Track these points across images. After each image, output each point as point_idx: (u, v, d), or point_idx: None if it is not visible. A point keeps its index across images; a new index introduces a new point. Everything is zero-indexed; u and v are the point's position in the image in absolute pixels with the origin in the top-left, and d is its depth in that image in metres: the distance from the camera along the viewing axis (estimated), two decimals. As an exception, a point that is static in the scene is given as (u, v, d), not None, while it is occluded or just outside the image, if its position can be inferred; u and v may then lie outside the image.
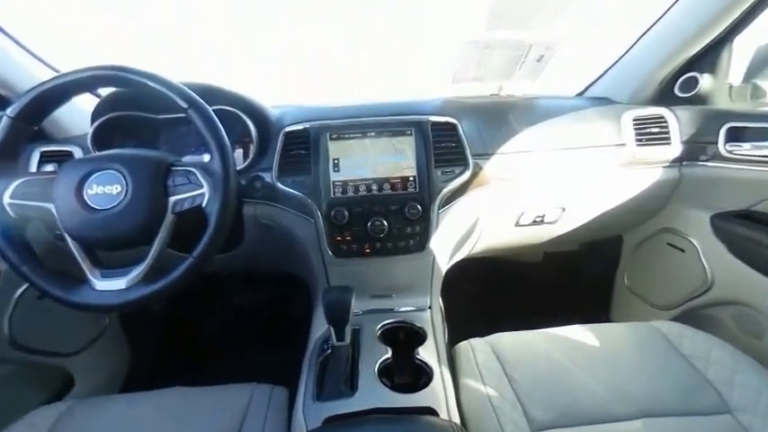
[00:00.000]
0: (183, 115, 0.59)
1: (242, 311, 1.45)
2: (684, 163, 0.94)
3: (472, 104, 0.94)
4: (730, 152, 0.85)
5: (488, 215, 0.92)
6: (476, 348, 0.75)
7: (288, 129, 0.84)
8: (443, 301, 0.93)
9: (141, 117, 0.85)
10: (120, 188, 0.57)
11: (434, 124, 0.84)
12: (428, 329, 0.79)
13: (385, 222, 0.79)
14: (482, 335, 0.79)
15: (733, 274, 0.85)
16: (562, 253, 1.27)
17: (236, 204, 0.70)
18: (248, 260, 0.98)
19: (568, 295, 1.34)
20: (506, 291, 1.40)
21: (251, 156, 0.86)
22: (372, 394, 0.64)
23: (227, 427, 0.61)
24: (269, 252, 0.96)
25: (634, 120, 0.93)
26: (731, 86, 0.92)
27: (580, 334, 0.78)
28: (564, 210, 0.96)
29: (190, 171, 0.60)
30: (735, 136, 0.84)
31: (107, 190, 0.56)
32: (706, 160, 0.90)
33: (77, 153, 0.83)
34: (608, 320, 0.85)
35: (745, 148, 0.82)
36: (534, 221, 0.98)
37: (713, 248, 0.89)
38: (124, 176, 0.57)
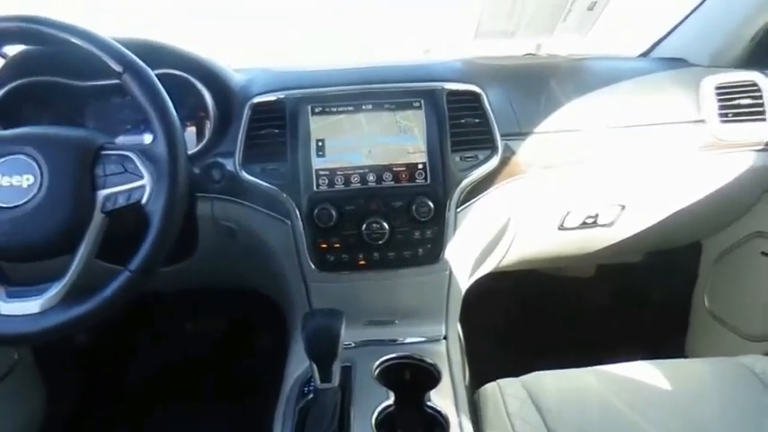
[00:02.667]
0: (117, 81, 0.59)
1: (192, 343, 1.44)
2: None
3: (502, 67, 0.95)
4: None
5: (524, 215, 0.93)
6: (506, 392, 0.75)
7: (256, 100, 0.84)
8: (463, 328, 0.93)
9: (61, 84, 0.84)
10: (31, 179, 0.56)
11: (451, 93, 0.84)
12: (443, 367, 0.79)
13: (385, 224, 0.79)
14: (515, 374, 0.80)
15: None
16: (621, 265, 1.27)
17: (188, 200, 0.70)
18: (203, 275, 0.98)
19: (630, 321, 1.35)
20: (547, 315, 1.40)
21: (207, 136, 0.85)
22: None
23: None
24: (230, 264, 0.96)
25: (717, 88, 0.93)
26: None
27: (645, 372, 0.78)
28: (623, 208, 0.97)
29: (125, 156, 0.60)
30: None
31: (14, 181, 0.56)
32: None
33: None
34: (683, 354, 0.85)
35: None
36: (584, 223, 0.98)
37: None
38: (38, 163, 0.57)
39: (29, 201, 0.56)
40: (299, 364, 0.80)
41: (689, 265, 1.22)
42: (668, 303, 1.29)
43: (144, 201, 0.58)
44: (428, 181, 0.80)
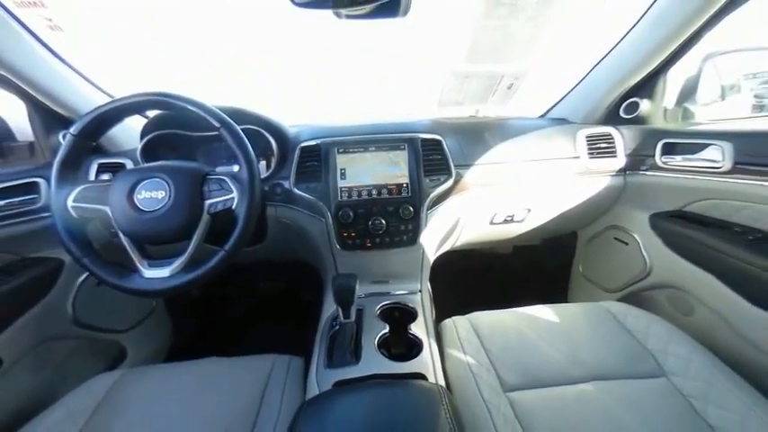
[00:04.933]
0: (217, 133, 0.59)
1: (265, 295, 1.44)
2: (628, 172, 0.93)
3: (454, 124, 0.94)
4: (665, 163, 0.84)
5: (468, 215, 0.92)
6: (458, 325, 0.75)
7: (303, 144, 0.84)
8: (431, 285, 0.92)
9: (181, 134, 0.84)
10: (164, 193, 0.56)
11: (423, 140, 0.84)
12: (419, 309, 0.79)
13: (383, 221, 0.79)
14: (463, 314, 0.79)
15: (667, 263, 0.85)
16: (528, 246, 1.26)
17: (261, 206, 0.70)
18: (270, 252, 0.97)
19: (533, 281, 1.34)
20: (483, 277, 1.40)
21: (272, 166, 0.85)
22: (373, 363, 0.64)
23: (254, 391, 0.61)
24: (287, 245, 0.96)
25: (587, 137, 0.92)
26: (666, 109, 0.92)
27: (543, 312, 0.78)
28: (529, 210, 0.96)
29: (222, 179, 0.60)
30: (669, 150, 0.84)
31: (153, 195, 0.56)
32: (645, 170, 0.90)
33: (129, 164, 0.83)
34: (566, 302, 0.85)
35: (677, 160, 0.82)
36: (505, 220, 0.98)
37: (651, 242, 0.89)
38: (168, 184, 0.57)
39: (162, 207, 0.56)
40: (329, 307, 0.80)
41: (570, 246, 1.21)
42: (557, 269, 1.27)
43: (234, 207, 0.58)
44: (409, 194, 0.80)
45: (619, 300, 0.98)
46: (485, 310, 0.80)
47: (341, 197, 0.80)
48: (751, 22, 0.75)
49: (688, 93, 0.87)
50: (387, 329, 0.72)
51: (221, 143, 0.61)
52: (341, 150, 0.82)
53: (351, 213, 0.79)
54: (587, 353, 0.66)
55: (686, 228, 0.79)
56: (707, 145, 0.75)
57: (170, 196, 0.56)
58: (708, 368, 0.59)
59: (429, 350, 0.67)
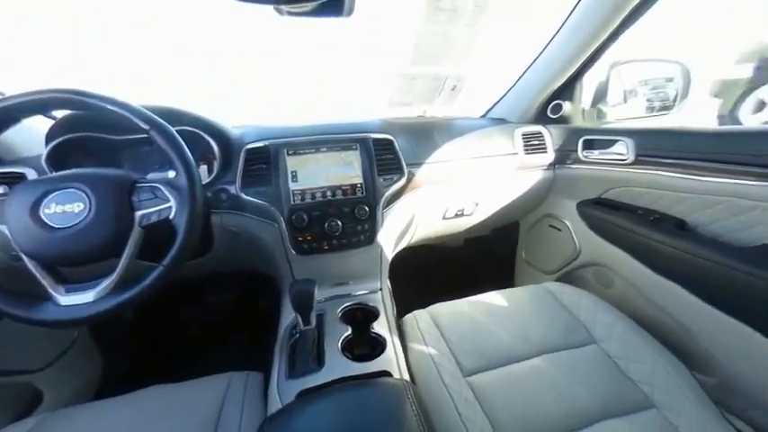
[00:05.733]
0: (145, 135, 0.53)
1: (215, 310, 1.32)
2: (557, 166, 1.03)
3: (404, 124, 0.96)
4: (586, 157, 0.95)
5: (422, 212, 0.95)
6: (418, 318, 0.77)
7: (249, 146, 0.79)
8: (391, 283, 0.93)
9: (100, 138, 0.73)
10: (82, 206, 0.48)
11: (375, 140, 0.84)
12: (380, 307, 0.80)
13: (339, 222, 0.78)
14: (423, 307, 0.82)
15: (591, 244, 0.96)
16: (478, 237, 1.32)
17: (204, 215, 0.64)
18: (218, 263, 0.90)
19: (484, 269, 1.41)
20: (439, 270, 1.44)
21: (215, 171, 0.78)
22: (337, 366, 0.63)
23: (207, 416, 0.56)
24: (237, 255, 0.89)
25: (522, 135, 1.01)
26: (583, 110, 1.04)
27: (494, 298, 0.83)
28: (477, 204, 1.02)
29: (155, 187, 0.53)
30: (588, 145, 0.95)
31: (68, 209, 0.48)
32: (571, 163, 1.01)
33: (30, 174, 0.69)
34: (512, 286, 0.92)
35: (595, 154, 0.93)
36: (456, 215, 1.02)
37: (579, 227, 1.00)
38: (86, 194, 0.49)
39: (80, 222, 0.48)
40: (288, 315, 0.77)
41: (513, 235, 1.30)
42: (504, 257, 1.36)
43: (171, 217, 0.52)
44: (364, 194, 0.80)
45: (556, 280, 1.09)
46: (443, 301, 0.83)
47: (293, 200, 0.76)
48: (642, 41, 0.89)
49: (600, 96, 1.00)
50: (349, 331, 0.71)
51: (151, 147, 0.54)
52: (291, 152, 0.78)
53: (305, 217, 0.76)
54: (533, 331, 0.72)
55: (604, 212, 0.91)
56: (615, 141, 0.87)
57: (90, 209, 0.48)
58: (627, 331, 0.69)
59: (392, 347, 0.68)
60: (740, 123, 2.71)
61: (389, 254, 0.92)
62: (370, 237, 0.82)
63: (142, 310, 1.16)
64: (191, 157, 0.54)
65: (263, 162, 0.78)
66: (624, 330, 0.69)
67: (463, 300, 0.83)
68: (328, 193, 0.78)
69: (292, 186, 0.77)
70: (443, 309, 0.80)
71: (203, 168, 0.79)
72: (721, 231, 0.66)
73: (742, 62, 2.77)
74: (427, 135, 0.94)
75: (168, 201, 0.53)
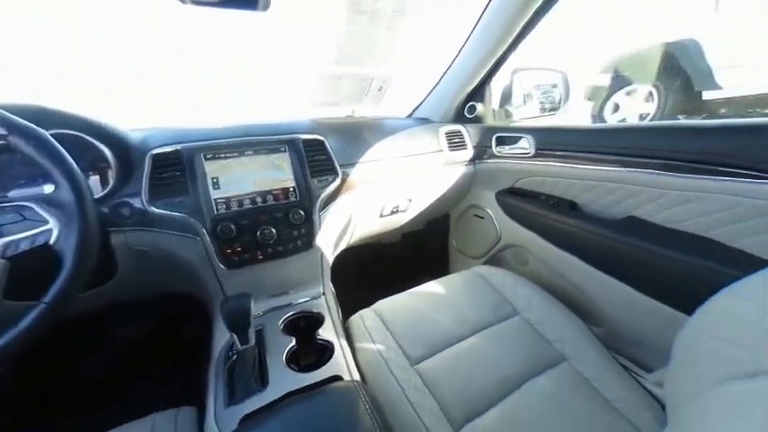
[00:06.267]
0: (3, 143, 0.41)
1: (129, 344, 1.12)
2: (476, 161, 1.14)
3: (334, 124, 0.95)
4: (499, 152, 1.08)
5: (359, 212, 0.95)
6: (364, 317, 0.78)
7: (155, 151, 0.68)
8: (333, 286, 0.92)
9: None
10: None
11: (305, 141, 0.81)
12: (324, 312, 0.77)
13: (273, 230, 0.73)
14: (368, 305, 0.82)
15: (509, 229, 1.09)
16: (414, 231, 1.37)
17: (101, 235, 0.54)
18: (126, 290, 0.76)
19: (422, 261, 1.47)
20: (380, 267, 1.46)
21: (111, 182, 0.66)
22: (283, 381, 0.59)
23: None
24: (150, 278, 0.77)
25: (446, 133, 1.08)
26: (494, 110, 1.17)
27: (432, 287, 0.88)
28: (411, 200, 1.07)
29: (24, 206, 0.43)
30: (500, 142, 1.07)
31: None
32: (487, 158, 1.11)
33: None
34: (447, 273, 1.00)
35: (506, 149, 1.06)
36: (392, 212, 1.05)
37: (498, 214, 1.12)
38: None
39: None
40: (222, 336, 0.69)
41: (445, 226, 1.39)
42: (438, 248, 1.44)
43: (53, 241, 0.42)
44: (298, 198, 0.77)
45: (484, 263, 1.21)
46: (387, 296, 0.84)
47: (217, 210, 0.69)
48: (536, 54, 1.04)
49: (505, 98, 1.14)
50: (294, 342, 0.68)
51: (12, 156, 0.43)
52: (209, 156, 0.70)
53: (232, 227, 0.69)
54: (468, 312, 0.79)
55: (516, 200, 1.04)
56: (520, 137, 1.01)
57: None
58: (541, 301, 0.80)
59: (341, 350, 0.67)
60: (605, 121, 3.38)
61: (330, 256, 0.90)
62: (308, 241, 0.79)
63: (27, 358, 0.91)
64: (75, 166, 0.45)
65: (177, 169, 0.68)
66: (539, 300, 0.81)
67: (405, 293, 0.86)
68: (258, 200, 0.73)
69: (214, 194, 0.69)
70: (387, 304, 0.82)
71: (94, 179, 0.66)
72: (600, 209, 0.82)
73: (604, 72, 3.46)
74: (357, 135, 0.95)
75: (45, 222, 0.42)
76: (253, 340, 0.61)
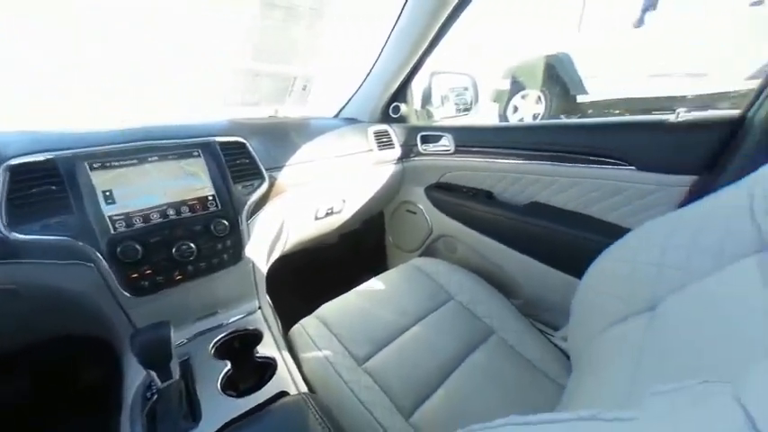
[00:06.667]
0: None
1: (9, 404, 0.86)
2: (404, 159, 1.19)
3: (256, 125, 0.88)
4: (424, 150, 1.15)
5: (292, 216, 0.91)
6: (306, 325, 0.75)
7: (14, 162, 0.53)
8: (271, 297, 0.86)
9: None
10: None
11: (223, 144, 0.73)
12: (262, 328, 0.72)
13: (192, 245, 0.64)
14: (309, 312, 0.79)
15: (439, 221, 1.17)
16: (351, 231, 1.36)
17: None
18: None
19: (360, 259, 1.48)
20: (320, 270, 1.43)
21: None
22: (220, 411, 0.53)
23: None
24: (21, 322, 0.61)
25: (374, 133, 1.10)
26: (416, 110, 1.25)
27: (373, 284, 0.90)
28: (345, 201, 1.06)
29: None
30: (425, 140, 1.14)
31: None
32: (414, 156, 1.17)
33: None
34: (386, 269, 1.02)
35: (431, 147, 1.13)
36: (327, 213, 1.03)
37: (428, 208, 1.19)
38: None
39: None
40: (136, 376, 0.59)
41: (381, 223, 1.42)
42: (376, 245, 1.47)
43: None
44: (220, 207, 0.69)
45: (420, 256, 1.28)
46: (330, 299, 0.83)
47: (114, 229, 0.57)
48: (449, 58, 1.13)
49: (426, 99, 1.21)
50: (228, 366, 0.61)
51: None
52: (96, 166, 0.58)
53: (137, 247, 0.58)
54: (408, 304, 0.82)
55: (442, 194, 1.12)
56: (442, 136, 1.09)
57: None
58: (471, 283, 0.89)
59: (284, 364, 0.64)
60: (508, 120, 3.89)
61: (264, 267, 0.84)
62: (236, 253, 0.72)
63: None
64: None
65: (52, 183, 0.55)
66: (469, 283, 0.89)
67: (347, 294, 0.86)
68: (170, 212, 0.63)
69: (108, 211, 0.57)
70: (330, 308, 0.80)
71: None
72: (510, 196, 0.95)
73: (505, 78, 3.98)
74: (284, 136, 0.90)
75: None
76: (177, 374, 0.53)
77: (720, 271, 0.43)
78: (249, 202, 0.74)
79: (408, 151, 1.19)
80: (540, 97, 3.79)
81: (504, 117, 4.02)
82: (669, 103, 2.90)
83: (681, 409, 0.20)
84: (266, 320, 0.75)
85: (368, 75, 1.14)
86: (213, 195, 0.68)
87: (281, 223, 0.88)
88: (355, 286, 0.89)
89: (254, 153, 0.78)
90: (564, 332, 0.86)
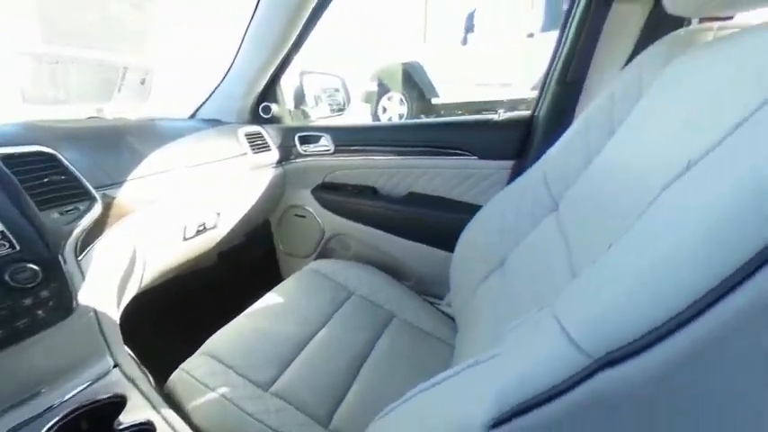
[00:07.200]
0: None
1: None
2: (284, 162, 1.13)
3: (70, 129, 0.67)
4: (305, 151, 1.12)
5: (147, 241, 0.73)
6: (191, 368, 0.62)
7: None
8: (133, 347, 0.68)
9: None
10: None
11: (13, 157, 0.52)
12: (124, 389, 0.56)
13: None
14: (192, 351, 0.67)
15: (330, 221, 1.16)
16: (233, 246, 1.23)
17: None
18: None
19: (250, 276, 1.33)
20: (198, 300, 1.21)
21: None
22: None
23: None
24: None
25: (246, 135, 1.01)
26: (290, 111, 1.20)
27: (268, 299, 0.82)
28: (219, 214, 0.93)
29: None
30: (304, 141, 1.11)
31: None
32: (294, 158, 1.13)
33: None
34: (281, 280, 0.96)
35: (311, 148, 1.11)
36: (199, 231, 0.88)
37: (317, 209, 1.17)
38: None
39: None
40: None
41: (268, 232, 1.31)
42: (266, 256, 1.35)
43: None
44: (18, 248, 0.48)
45: (315, 259, 1.25)
46: (215, 330, 0.71)
47: None
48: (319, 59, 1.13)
49: (299, 99, 1.19)
50: None
51: None
52: None
53: None
54: (309, 311, 0.79)
55: (329, 193, 1.13)
56: (321, 136, 1.09)
57: None
58: (368, 275, 0.93)
59: (166, 424, 0.52)
60: (380, 120, 4.23)
61: (114, 312, 0.65)
62: (61, 305, 0.52)
63: None
64: None
65: None
66: (367, 275, 0.93)
67: (239, 317, 0.76)
68: None
69: None
70: (219, 339, 0.69)
71: None
72: (391, 189, 1.04)
73: (372, 80, 4.29)
74: (117, 143, 0.72)
75: None
76: None
77: (536, 228, 0.60)
78: (76, 232, 0.55)
79: (288, 153, 1.14)
80: (402, 99, 4.28)
81: (376, 117, 4.34)
82: (493, 105, 3.78)
83: (525, 336, 0.26)
84: (129, 379, 0.58)
85: (228, 72, 1.02)
86: (2, 232, 0.48)
87: (132, 252, 0.70)
88: (248, 307, 0.80)
89: (71, 167, 0.59)
90: (448, 299, 1.02)
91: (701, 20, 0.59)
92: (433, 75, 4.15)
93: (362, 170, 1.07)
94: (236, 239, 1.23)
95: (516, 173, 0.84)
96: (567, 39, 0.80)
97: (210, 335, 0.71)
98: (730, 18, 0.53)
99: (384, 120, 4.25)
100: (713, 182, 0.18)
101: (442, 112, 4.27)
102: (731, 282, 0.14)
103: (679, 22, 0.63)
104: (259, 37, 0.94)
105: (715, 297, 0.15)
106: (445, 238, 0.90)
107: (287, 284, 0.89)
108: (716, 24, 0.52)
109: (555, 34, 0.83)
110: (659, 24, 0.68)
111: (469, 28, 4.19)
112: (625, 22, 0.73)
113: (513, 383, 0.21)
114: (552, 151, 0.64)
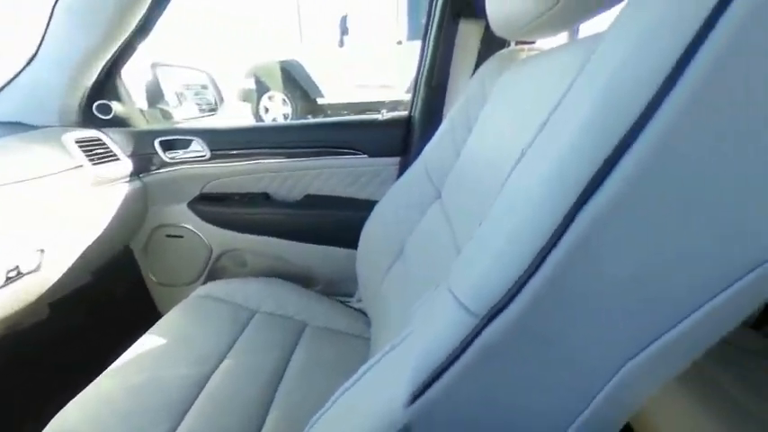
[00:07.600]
0: None
1: None
2: (142, 174, 0.93)
3: None
4: (171, 159, 0.94)
5: None
6: None
7: None
8: None
9: None
10: None
11: None
12: None
13: None
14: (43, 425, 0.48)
15: (217, 236, 1.02)
16: (79, 289, 0.93)
17: None
18: None
19: (108, 324, 1.04)
20: (33, 372, 0.87)
21: None
22: None
23: None
24: None
25: (77, 141, 0.78)
26: (142, 110, 0.98)
27: (144, 344, 0.66)
28: (43, 251, 0.69)
29: None
30: (168, 146, 0.93)
31: None
32: (156, 168, 0.95)
33: None
34: (159, 317, 0.77)
35: (180, 154, 0.94)
36: (9, 278, 0.63)
37: (200, 225, 1.01)
38: None
39: None
40: None
41: (129, 263, 1.06)
42: (132, 292, 1.09)
43: None
44: None
45: (204, 283, 1.07)
46: (72, 394, 0.54)
47: None
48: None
49: (155, 97, 0.98)
50: None
51: None
52: None
53: None
54: (204, 343, 0.68)
55: (212, 206, 0.99)
56: (190, 140, 0.94)
57: None
58: (272, 289, 0.86)
59: None
60: (263, 121, 3.92)
61: None
62: None
63: None
64: None
65: None
66: (270, 289, 0.86)
67: (97, 380, 0.59)
68: None
69: None
70: (73, 410, 0.52)
71: None
72: (286, 193, 0.98)
73: (248, 77, 3.91)
74: None
75: None
76: None
77: (424, 216, 0.67)
78: None
79: (146, 162, 0.93)
80: (284, 99, 4.07)
81: (259, 117, 4.00)
82: (376, 106, 4.02)
83: (427, 312, 0.30)
84: None
85: (33, 57, 0.76)
86: None
87: None
88: (112, 361, 0.62)
89: None
90: (358, 295, 1.04)
91: (517, 42, 0.78)
92: (313, 74, 4.10)
93: (250, 176, 0.97)
94: (84, 277, 0.94)
95: (403, 168, 0.93)
96: (428, 48, 0.91)
97: (55, 410, 0.52)
98: (533, 42, 0.71)
99: (268, 120, 3.96)
100: (536, 164, 0.24)
101: (329, 113, 4.29)
102: (555, 237, 0.19)
103: (503, 41, 0.81)
104: (82, 12, 0.73)
105: (544, 255, 0.20)
106: (347, 237, 0.92)
107: (169, 319, 0.74)
108: (526, 47, 0.69)
109: (419, 43, 0.94)
110: (492, 41, 0.86)
111: (344, 31, 4.32)
112: (469, 36, 0.89)
113: (422, 357, 0.24)
114: (429, 147, 0.73)
